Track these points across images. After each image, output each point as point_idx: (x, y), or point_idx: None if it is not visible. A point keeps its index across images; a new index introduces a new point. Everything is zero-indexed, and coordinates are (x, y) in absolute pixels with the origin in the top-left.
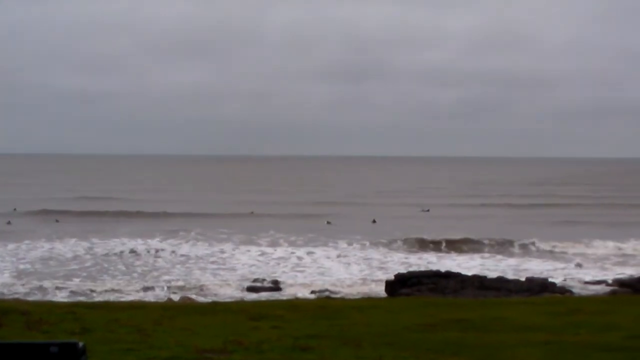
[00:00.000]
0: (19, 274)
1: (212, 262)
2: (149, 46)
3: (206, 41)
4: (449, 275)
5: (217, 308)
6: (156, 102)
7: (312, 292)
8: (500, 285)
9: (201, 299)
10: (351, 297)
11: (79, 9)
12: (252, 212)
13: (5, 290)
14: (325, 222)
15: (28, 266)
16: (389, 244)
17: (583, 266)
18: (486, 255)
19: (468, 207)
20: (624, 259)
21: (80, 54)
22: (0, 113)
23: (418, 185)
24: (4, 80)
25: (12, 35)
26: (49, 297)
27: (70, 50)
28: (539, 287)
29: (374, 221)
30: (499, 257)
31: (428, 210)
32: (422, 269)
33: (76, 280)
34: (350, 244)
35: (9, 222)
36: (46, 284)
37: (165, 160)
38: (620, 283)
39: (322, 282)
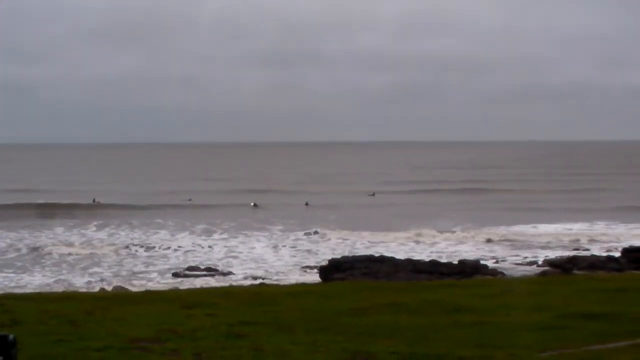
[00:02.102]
0: None
1: (147, 251)
2: (80, 33)
3: (140, 28)
4: (382, 259)
5: (151, 297)
6: (88, 90)
7: (246, 278)
8: (433, 269)
9: (134, 288)
10: (285, 283)
11: None
12: (190, 199)
13: None
14: (252, 204)
15: None
16: (323, 229)
17: (514, 248)
18: (421, 239)
19: (408, 193)
20: (555, 240)
21: (10, 42)
22: None
23: (357, 171)
24: None
25: None
26: None
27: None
28: (471, 269)
29: (307, 204)
30: (433, 240)
31: (373, 194)
32: (356, 253)
33: (6, 272)
34: (284, 230)
35: None
36: None
37: (97, 149)
38: (550, 264)
39: (256, 269)
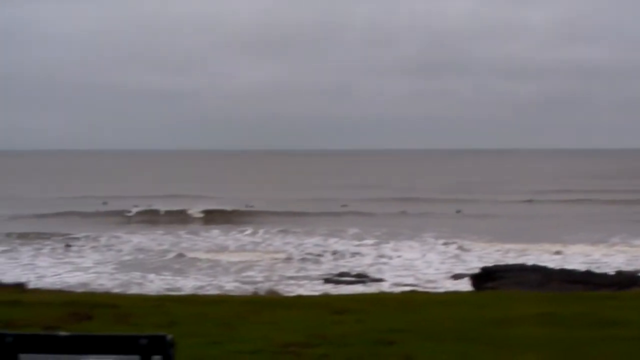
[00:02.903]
0: (120, 267)
1: (299, 256)
2: (228, 43)
3: (286, 36)
4: (534, 268)
5: (301, 302)
6: (236, 99)
7: (396, 285)
8: (588, 279)
9: (286, 293)
10: (435, 291)
11: (158, 7)
12: (345, 205)
13: (97, 283)
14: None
15: (127, 258)
16: (473, 238)
17: None
18: (574, 249)
19: (560, 202)
20: None
21: (159, 53)
22: (80, 111)
23: (506, 179)
24: (84, 80)
25: (92, 36)
26: (138, 290)
27: (149, 49)
28: (628, 281)
29: (459, 211)
30: (587, 250)
31: (530, 201)
32: (506, 262)
33: (164, 274)
34: (434, 237)
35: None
36: (136, 276)
37: (246, 155)
38: None
39: (407, 276)
